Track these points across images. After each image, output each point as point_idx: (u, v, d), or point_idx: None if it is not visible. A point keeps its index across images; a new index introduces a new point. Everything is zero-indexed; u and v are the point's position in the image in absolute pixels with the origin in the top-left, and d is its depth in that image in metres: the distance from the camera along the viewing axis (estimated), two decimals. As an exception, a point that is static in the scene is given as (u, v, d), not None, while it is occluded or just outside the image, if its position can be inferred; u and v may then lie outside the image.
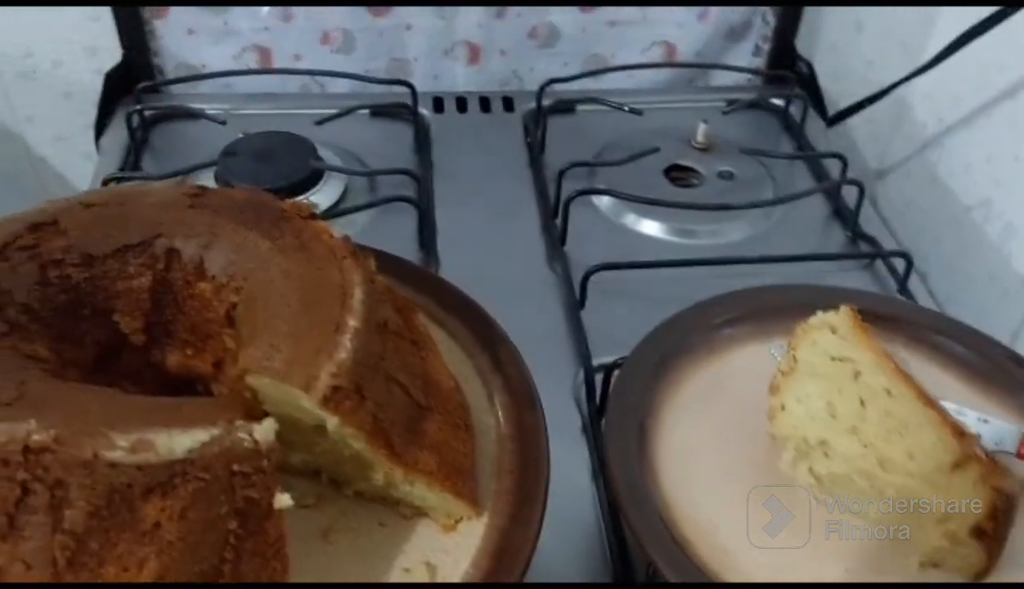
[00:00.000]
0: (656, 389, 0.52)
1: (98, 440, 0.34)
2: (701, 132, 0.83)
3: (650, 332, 0.54)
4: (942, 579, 0.45)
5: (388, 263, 0.55)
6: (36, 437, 0.34)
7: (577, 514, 0.56)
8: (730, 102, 0.89)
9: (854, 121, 1.03)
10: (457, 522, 0.45)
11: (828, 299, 0.51)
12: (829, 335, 0.48)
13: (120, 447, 0.34)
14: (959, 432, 0.44)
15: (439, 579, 0.43)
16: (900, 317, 0.57)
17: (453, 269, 0.71)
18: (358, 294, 0.42)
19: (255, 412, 0.39)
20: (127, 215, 0.45)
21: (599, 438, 0.58)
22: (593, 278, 0.68)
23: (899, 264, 0.71)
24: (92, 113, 0.84)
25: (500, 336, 0.53)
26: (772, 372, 0.52)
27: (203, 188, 0.48)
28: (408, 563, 0.44)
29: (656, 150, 0.78)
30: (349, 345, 0.40)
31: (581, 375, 0.63)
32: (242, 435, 0.36)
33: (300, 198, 0.73)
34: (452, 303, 0.55)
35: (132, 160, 0.79)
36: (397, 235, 0.73)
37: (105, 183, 0.72)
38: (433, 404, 0.45)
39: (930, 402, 0.45)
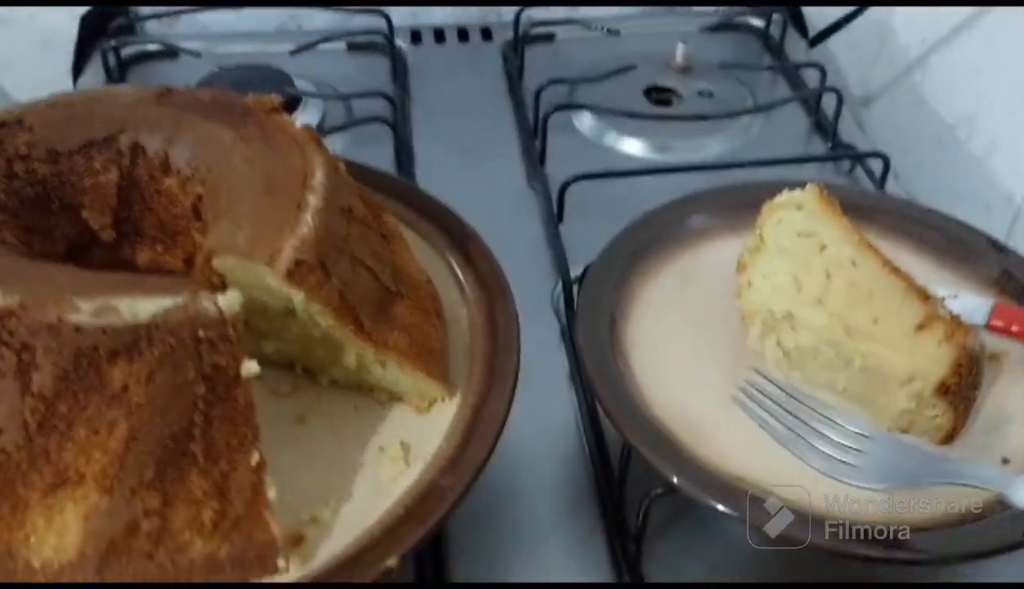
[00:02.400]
0: (628, 283, 0.53)
1: (62, 305, 0.35)
2: (680, 53, 0.82)
3: (621, 230, 0.55)
4: (911, 444, 0.45)
5: (358, 170, 0.55)
6: (0, 303, 0.34)
7: (556, 419, 0.57)
8: (710, 24, 0.89)
9: (836, 46, 1.03)
10: (430, 404, 0.46)
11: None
12: (795, 212, 0.48)
13: (84, 311, 0.35)
14: (924, 295, 0.45)
15: (412, 457, 0.43)
16: (874, 206, 0.57)
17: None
18: (319, 176, 0.43)
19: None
20: (92, 113, 0.45)
21: (575, 343, 0.58)
22: (572, 192, 0.68)
23: (877, 166, 0.71)
24: (70, 60, 0.84)
25: (470, 234, 0.53)
26: (742, 259, 0.53)
27: (170, 89, 0.48)
28: (382, 442, 0.44)
29: (633, 67, 0.78)
30: (311, 222, 0.41)
31: (560, 285, 0.63)
32: (207, 303, 0.37)
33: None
34: (423, 207, 0.55)
35: (111, 98, 0.79)
36: (374, 159, 0.72)
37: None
38: (403, 290, 0.46)
39: (895, 270, 0.46)
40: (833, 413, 0.45)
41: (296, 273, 0.40)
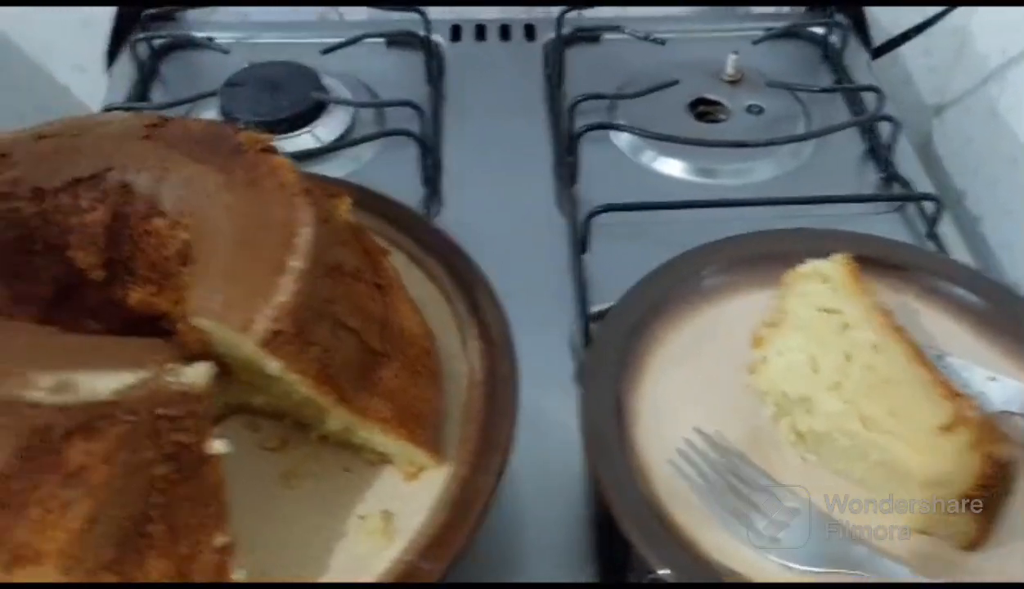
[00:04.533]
0: (641, 340, 0.50)
1: (18, 379, 0.34)
2: (731, 63, 0.78)
3: (638, 282, 0.52)
4: (930, 548, 0.42)
5: (368, 200, 0.53)
6: (-45, 376, 0.33)
7: (564, 463, 0.54)
8: (767, 30, 0.83)
9: (910, 54, 0.97)
10: (419, 470, 0.44)
11: (828, 245, 0.48)
12: (819, 285, 0.45)
13: (41, 387, 0.34)
14: (952, 393, 0.41)
15: (395, 527, 0.42)
16: (913, 265, 0.53)
17: (458, 208, 0.69)
18: (305, 234, 0.40)
19: (207, 354, 0.38)
20: (79, 147, 0.44)
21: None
22: (602, 220, 0.65)
23: (930, 208, 0.66)
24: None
25: (480, 280, 0.51)
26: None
27: (163, 119, 0.47)
28: (365, 510, 0.43)
29: (675, 82, 0.74)
30: (292, 287, 0.39)
31: (577, 323, 0.60)
32: (170, 378, 0.35)
33: (302, 131, 0.72)
34: (433, 245, 0.53)
35: (140, 90, 0.78)
36: (402, 171, 0.71)
37: (107, 112, 0.71)
38: (390, 350, 0.44)
39: (921, 359, 0.42)
40: (770, 484, 0.43)
41: (272, 342, 0.38)
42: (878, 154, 0.73)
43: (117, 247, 0.44)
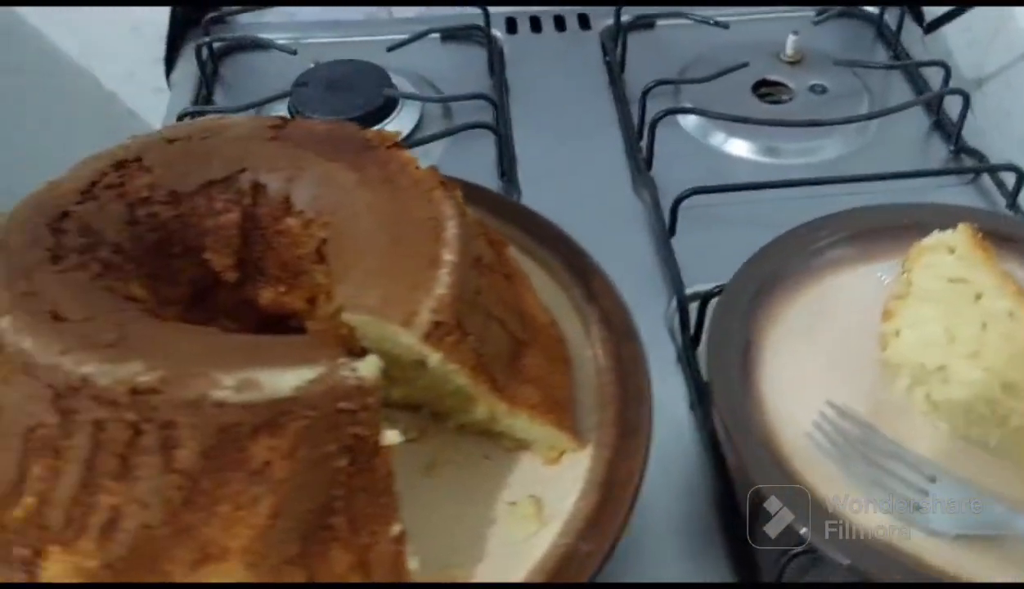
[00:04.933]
0: (757, 317, 0.50)
1: (203, 380, 0.34)
2: (791, 44, 0.78)
3: (749, 258, 0.52)
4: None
5: (474, 193, 0.53)
6: (142, 379, 0.34)
7: (675, 445, 0.55)
8: (820, 11, 0.84)
9: (950, 29, 0.97)
10: (560, 454, 0.44)
11: (939, 218, 0.49)
12: (946, 256, 0.45)
13: (226, 386, 0.34)
14: (1092, 357, 0.42)
15: (545, 512, 0.42)
16: (1015, 235, 0.53)
17: (535, 198, 0.69)
18: (451, 227, 0.41)
19: (353, 348, 0.38)
20: (209, 150, 0.44)
21: (695, 368, 0.56)
22: (683, 203, 0.66)
23: (1008, 178, 0.67)
24: (160, 47, 0.83)
25: (593, 267, 0.51)
26: (878, 296, 0.50)
27: (284, 120, 0.47)
28: (513, 497, 0.43)
29: (745, 65, 0.75)
30: (448, 280, 0.39)
31: (674, 304, 0.61)
32: (346, 372, 0.35)
33: (376, 127, 0.72)
34: (542, 234, 0.53)
35: (204, 94, 0.77)
36: (476, 164, 0.71)
37: (180, 118, 0.71)
38: (530, 338, 0.44)
39: (1057, 325, 0.43)
40: (907, 453, 0.44)
41: (434, 334, 0.38)
42: (946, 128, 0.74)
43: (249, 247, 0.45)
